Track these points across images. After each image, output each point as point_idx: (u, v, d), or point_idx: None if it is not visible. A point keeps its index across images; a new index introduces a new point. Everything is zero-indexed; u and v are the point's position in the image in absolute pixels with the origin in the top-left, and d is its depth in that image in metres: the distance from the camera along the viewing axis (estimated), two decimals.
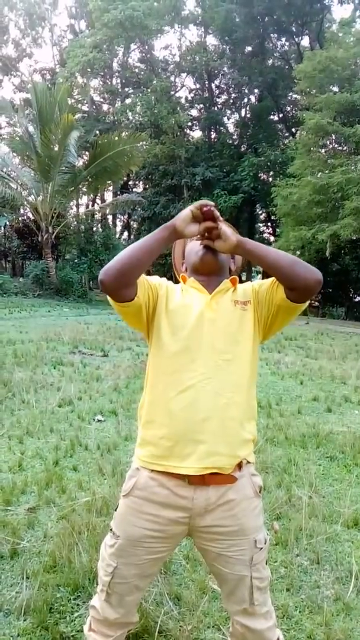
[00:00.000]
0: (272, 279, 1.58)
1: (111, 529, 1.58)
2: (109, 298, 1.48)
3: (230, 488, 1.49)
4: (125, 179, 30.51)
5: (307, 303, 1.55)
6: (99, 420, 4.87)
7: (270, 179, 26.65)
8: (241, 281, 1.72)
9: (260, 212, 33.16)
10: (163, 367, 1.53)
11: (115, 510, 1.60)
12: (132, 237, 36.10)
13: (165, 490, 1.49)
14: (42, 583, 2.35)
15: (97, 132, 27.90)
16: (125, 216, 36.31)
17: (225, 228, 1.54)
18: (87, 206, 33.04)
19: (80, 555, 2.51)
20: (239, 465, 1.51)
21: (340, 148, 20.15)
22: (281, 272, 1.47)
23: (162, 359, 1.54)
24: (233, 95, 32.33)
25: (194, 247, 1.69)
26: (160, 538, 1.52)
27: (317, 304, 26.70)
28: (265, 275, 1.91)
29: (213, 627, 2.16)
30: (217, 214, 1.51)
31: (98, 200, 33.63)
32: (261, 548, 1.53)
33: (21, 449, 4.03)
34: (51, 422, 4.70)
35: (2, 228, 31.39)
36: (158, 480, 1.50)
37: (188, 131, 31.57)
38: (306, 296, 1.50)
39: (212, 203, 1.50)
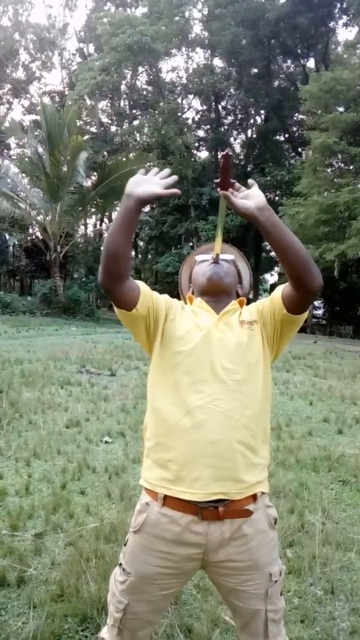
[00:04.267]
0: (271, 297, 1.56)
1: (121, 564, 1.52)
2: (114, 306, 1.49)
3: (244, 522, 1.44)
4: None
5: (306, 314, 1.52)
6: (106, 442, 4.81)
7: (277, 198, 26.77)
8: (248, 300, 1.70)
9: None
10: (169, 387, 1.48)
11: (125, 545, 1.54)
12: (139, 256, 36.29)
13: (177, 527, 1.43)
14: (50, 613, 2.28)
15: (105, 153, 28.32)
16: (133, 235, 36.54)
17: (256, 189, 1.43)
18: (95, 226, 33.39)
19: (89, 584, 2.45)
20: (254, 497, 1.46)
21: (346, 167, 20.24)
22: (300, 262, 1.37)
23: (169, 379, 1.49)
24: (239, 116, 32.66)
25: (200, 269, 1.67)
26: (174, 574, 1.47)
27: (324, 322, 26.62)
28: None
29: None
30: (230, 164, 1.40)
31: (106, 220, 33.92)
32: (276, 581, 1.48)
33: (28, 472, 3.97)
34: (58, 444, 4.65)
35: (11, 247, 31.72)
36: (169, 517, 1.43)
37: (195, 152, 31.87)
38: (307, 300, 1.45)
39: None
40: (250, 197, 1.40)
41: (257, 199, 1.39)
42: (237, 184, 1.43)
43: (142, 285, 1.51)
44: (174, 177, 1.46)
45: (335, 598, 2.53)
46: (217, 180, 1.39)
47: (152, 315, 1.50)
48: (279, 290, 1.52)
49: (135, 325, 1.51)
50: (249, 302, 1.68)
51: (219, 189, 1.40)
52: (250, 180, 1.45)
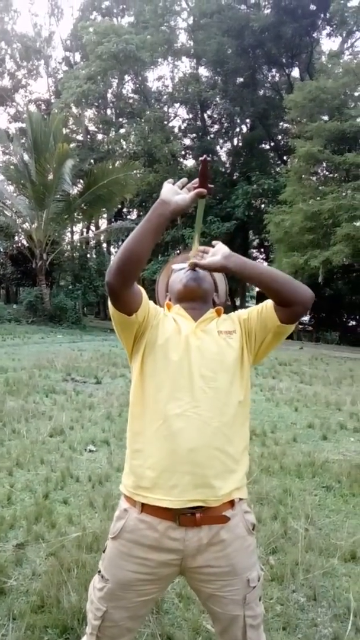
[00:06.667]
0: (258, 307, 1.59)
1: (99, 571, 1.52)
2: (110, 307, 1.46)
3: (222, 527, 1.44)
4: (119, 206, 30.83)
5: (295, 324, 1.58)
6: (90, 451, 4.78)
7: (263, 206, 26.95)
8: (235, 307, 1.72)
9: (253, 238, 33.43)
10: (148, 395, 1.49)
11: (104, 551, 1.54)
12: None
13: (155, 533, 1.43)
14: (30, 625, 2.26)
15: (92, 160, 28.35)
16: (120, 243, 36.54)
17: (220, 245, 1.57)
18: (82, 233, 33.28)
19: (69, 595, 2.43)
20: (231, 503, 1.47)
21: (331, 175, 20.47)
22: (279, 288, 1.48)
23: (148, 386, 1.50)
24: (225, 124, 32.90)
25: (177, 277, 1.69)
26: (151, 580, 1.47)
27: (310, 328, 26.76)
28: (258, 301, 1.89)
29: None
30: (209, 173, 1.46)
31: (92, 228, 33.88)
32: (254, 587, 1.48)
33: (10, 482, 3.93)
34: (42, 453, 4.61)
35: None
36: (147, 523, 1.44)
37: (181, 160, 32.02)
38: (300, 313, 1.52)
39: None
40: (217, 252, 1.54)
41: (222, 251, 1.53)
42: (204, 247, 1.60)
43: (143, 291, 1.52)
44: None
45: (317, 604, 2.53)
46: (196, 185, 1.43)
47: (145, 322, 1.51)
48: (271, 301, 1.56)
49: (129, 330, 1.51)
50: (235, 308, 1.71)
51: (199, 194, 1.43)
52: (214, 242, 1.61)
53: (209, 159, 1.45)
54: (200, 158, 1.43)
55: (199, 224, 1.59)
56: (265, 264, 30.22)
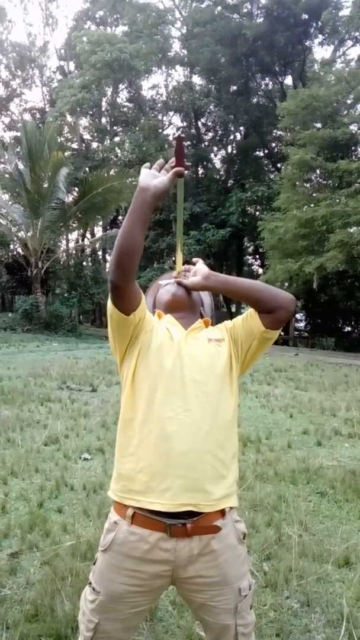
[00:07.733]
0: (244, 315, 1.63)
1: (90, 583, 1.52)
2: (109, 307, 1.48)
3: (213, 538, 1.45)
4: (114, 214, 30.87)
5: (280, 330, 1.63)
6: (85, 459, 4.78)
7: (257, 213, 27.06)
8: (231, 314, 1.77)
9: (248, 245, 33.58)
10: (140, 399, 1.50)
11: (94, 564, 1.54)
12: None
13: (146, 545, 1.43)
14: (23, 634, 2.26)
15: (87, 169, 28.40)
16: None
17: (199, 265, 1.65)
18: (77, 241, 33.31)
19: (63, 603, 2.43)
20: (222, 513, 1.47)
21: (324, 182, 20.56)
22: (260, 296, 1.57)
23: (140, 391, 1.51)
24: (219, 132, 33.13)
25: (164, 290, 1.75)
26: (143, 592, 1.47)
27: (306, 334, 26.81)
28: None
29: None
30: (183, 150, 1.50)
31: (88, 235, 33.92)
32: (245, 596, 1.49)
33: (5, 491, 3.93)
34: (36, 462, 4.60)
35: None
36: (138, 535, 1.43)
37: None
38: (283, 317, 1.57)
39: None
40: (197, 272, 1.64)
41: (201, 272, 1.63)
42: (187, 266, 1.71)
43: (142, 294, 1.55)
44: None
45: (311, 610, 2.53)
46: (173, 165, 1.47)
47: (140, 325, 1.53)
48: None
49: (125, 330, 1.52)
50: (231, 314, 1.76)
51: (177, 173, 1.46)
52: (194, 259, 1.72)
53: (183, 136, 1.49)
54: (174, 137, 1.47)
55: (181, 205, 1.63)
56: (260, 270, 30.34)
